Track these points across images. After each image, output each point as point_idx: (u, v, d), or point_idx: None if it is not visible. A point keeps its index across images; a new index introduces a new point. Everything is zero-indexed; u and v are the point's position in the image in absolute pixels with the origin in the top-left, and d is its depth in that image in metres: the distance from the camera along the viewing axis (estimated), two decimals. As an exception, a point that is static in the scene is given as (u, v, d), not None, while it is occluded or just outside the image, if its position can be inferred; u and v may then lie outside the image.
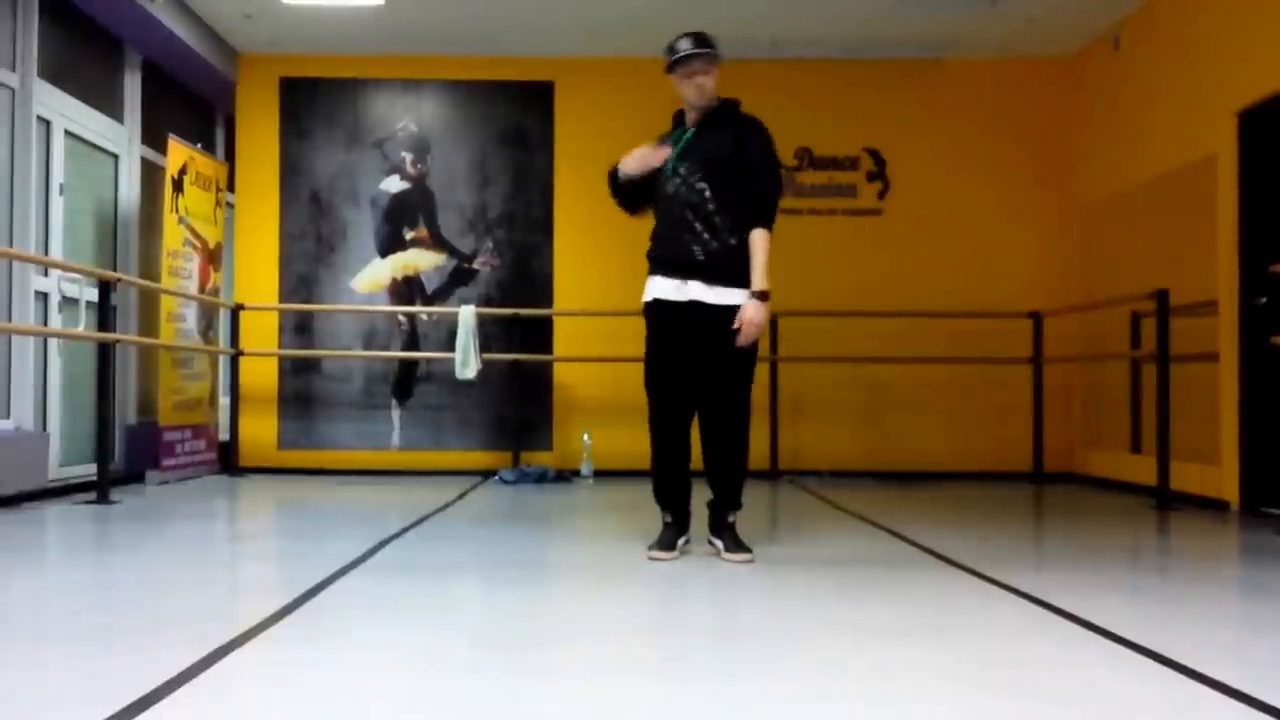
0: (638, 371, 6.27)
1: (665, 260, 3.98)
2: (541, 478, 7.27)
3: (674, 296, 3.94)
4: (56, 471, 6.16)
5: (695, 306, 3.92)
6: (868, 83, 8.01)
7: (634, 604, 3.22)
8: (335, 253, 7.99)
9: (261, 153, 8.01)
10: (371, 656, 2.45)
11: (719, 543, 4.01)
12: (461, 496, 6.23)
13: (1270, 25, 5.54)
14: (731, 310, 3.88)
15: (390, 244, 8.00)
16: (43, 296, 6.18)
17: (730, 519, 4.02)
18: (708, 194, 3.92)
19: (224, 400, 7.89)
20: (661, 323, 3.98)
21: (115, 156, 7.12)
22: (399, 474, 7.68)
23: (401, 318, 7.99)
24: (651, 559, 3.92)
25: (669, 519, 4.05)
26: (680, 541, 4.05)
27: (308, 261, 7.98)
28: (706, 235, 3.91)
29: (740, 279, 3.89)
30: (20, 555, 4.03)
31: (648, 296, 4.02)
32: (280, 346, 7.92)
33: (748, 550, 3.93)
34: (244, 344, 7.70)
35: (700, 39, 4.00)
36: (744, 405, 3.98)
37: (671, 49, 4.03)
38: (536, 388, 7.94)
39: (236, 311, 7.70)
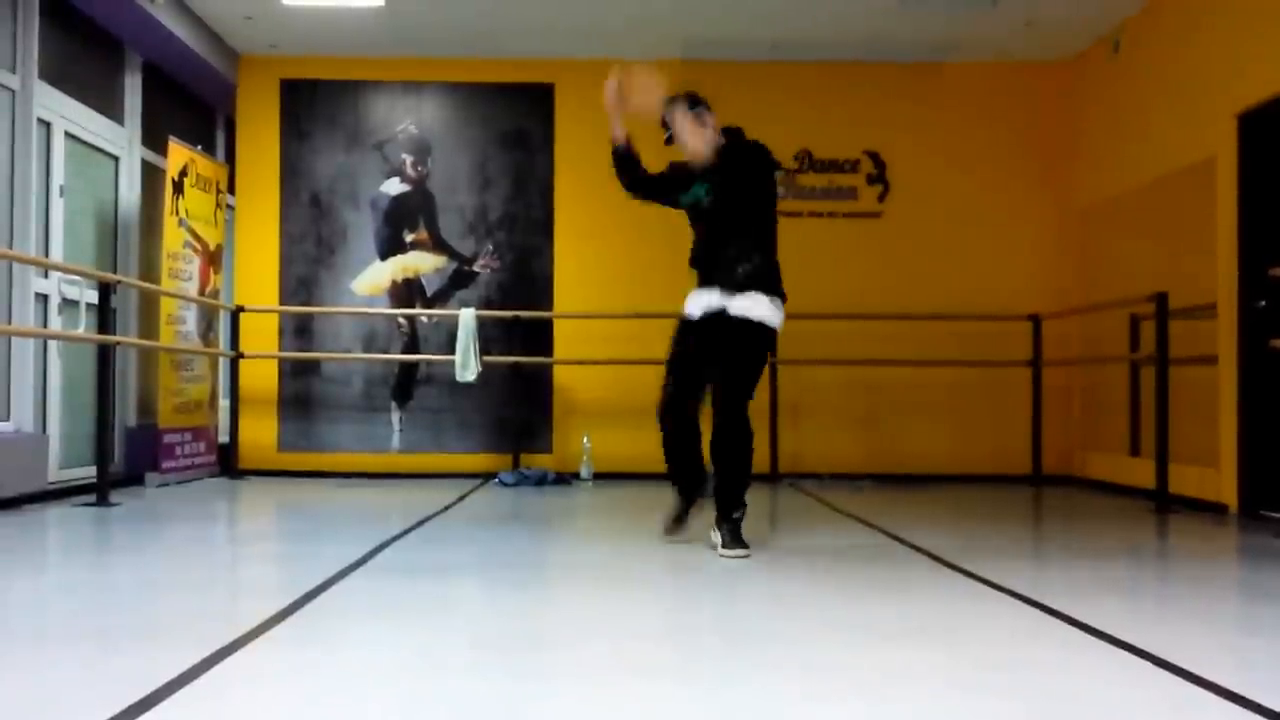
0: (637, 373, 6.36)
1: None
2: (541, 480, 7.27)
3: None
4: (56, 474, 6.16)
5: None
6: (868, 85, 8.02)
7: (634, 606, 3.22)
8: (335, 255, 8.00)
9: (262, 154, 8.01)
10: (372, 659, 2.45)
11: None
12: (461, 499, 6.24)
13: (1270, 28, 5.55)
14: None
15: (390, 246, 8.01)
16: (43, 298, 6.19)
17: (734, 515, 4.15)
18: None
19: (224, 402, 7.90)
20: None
21: (115, 158, 7.12)
22: (399, 476, 7.68)
23: (401, 320, 7.99)
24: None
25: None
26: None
27: (308, 264, 7.99)
28: None
29: None
30: (20, 557, 4.04)
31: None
32: (280, 349, 7.93)
33: (744, 546, 4.05)
34: (244, 346, 7.70)
35: None
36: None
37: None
38: (536, 390, 7.94)
39: (236, 314, 7.71)
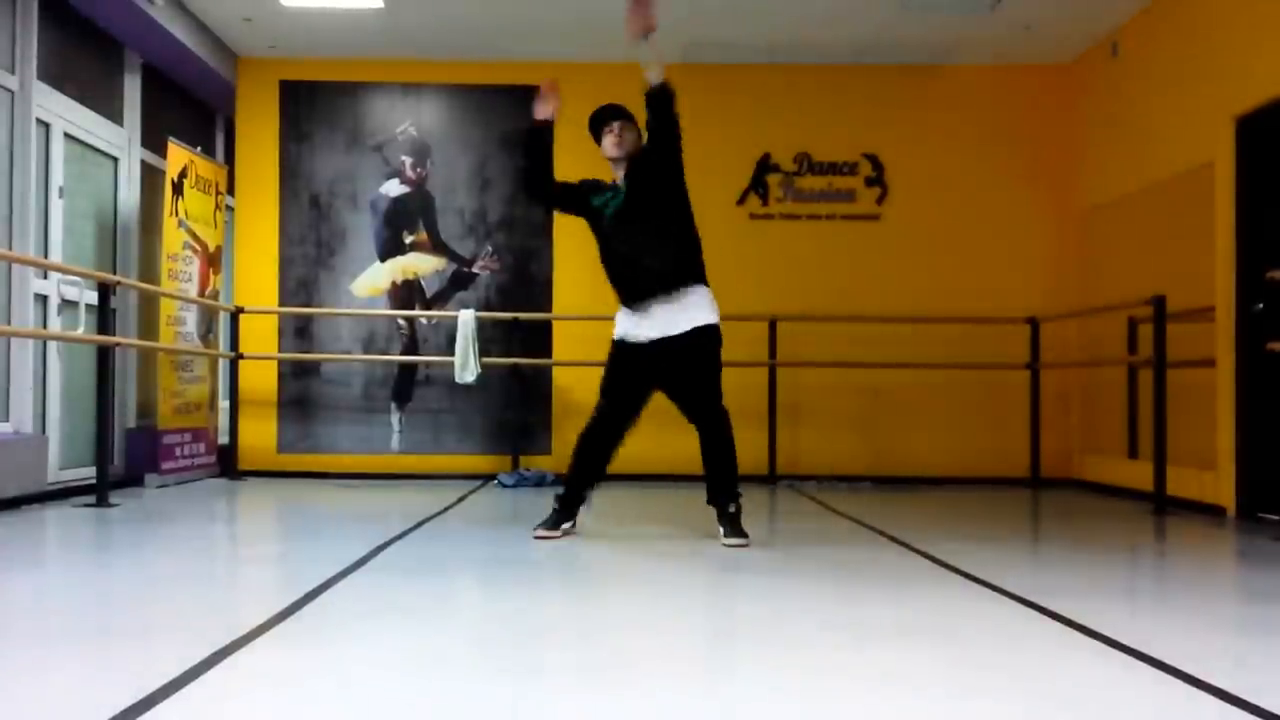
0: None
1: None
2: (541, 481, 7.28)
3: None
4: (55, 474, 6.17)
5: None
6: (867, 88, 8.03)
7: (633, 605, 3.23)
8: (335, 256, 8.00)
9: (261, 156, 8.02)
10: (371, 659, 2.45)
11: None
12: (461, 500, 6.24)
13: (1269, 31, 5.56)
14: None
15: (390, 248, 8.01)
16: (42, 299, 6.19)
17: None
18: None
19: (223, 404, 7.90)
20: None
21: (115, 159, 7.13)
22: (398, 478, 7.68)
23: (401, 322, 8.00)
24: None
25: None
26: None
27: (308, 265, 7.99)
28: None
29: None
30: (19, 558, 4.04)
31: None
32: (280, 350, 7.93)
33: (744, 535, 4.38)
34: (244, 347, 7.71)
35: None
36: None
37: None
38: (536, 392, 7.95)
39: (236, 315, 7.71)
